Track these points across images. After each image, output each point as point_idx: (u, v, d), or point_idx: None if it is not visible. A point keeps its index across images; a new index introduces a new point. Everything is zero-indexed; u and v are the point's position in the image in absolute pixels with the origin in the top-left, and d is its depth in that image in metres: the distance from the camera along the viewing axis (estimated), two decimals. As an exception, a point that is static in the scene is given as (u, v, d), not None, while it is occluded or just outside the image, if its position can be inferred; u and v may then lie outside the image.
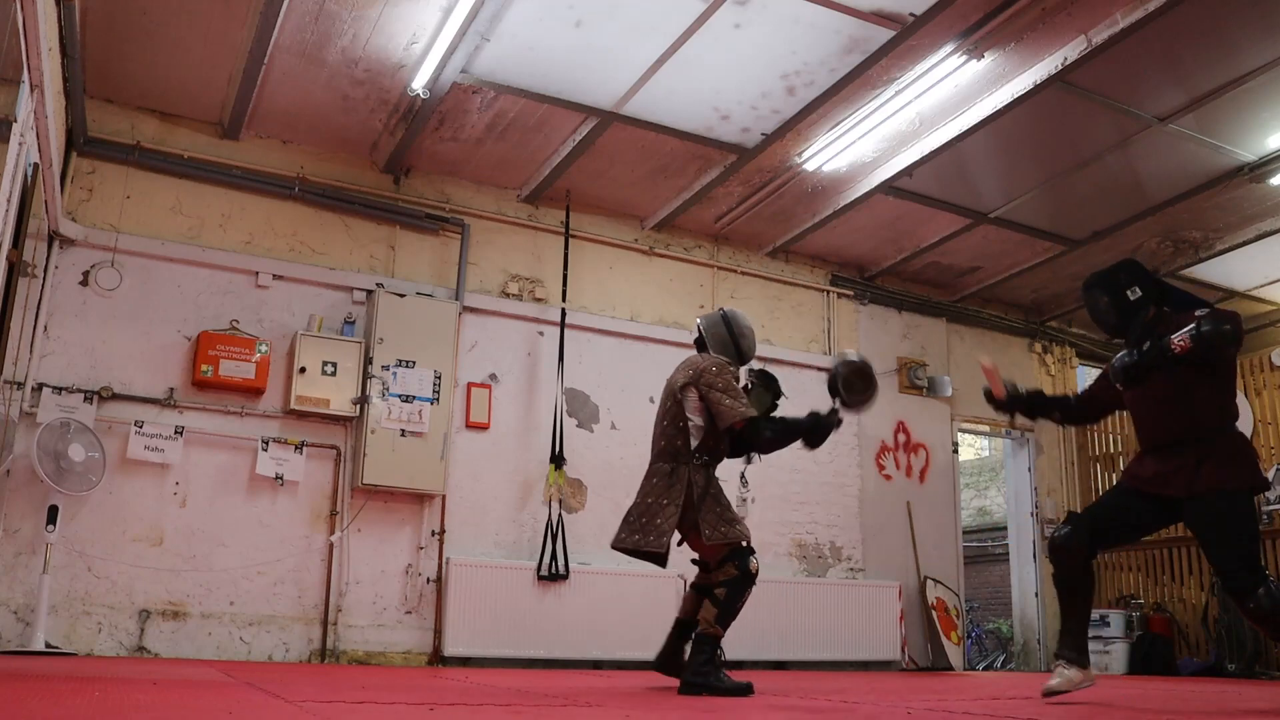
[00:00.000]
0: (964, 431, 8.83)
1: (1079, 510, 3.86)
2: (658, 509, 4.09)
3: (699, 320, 4.48)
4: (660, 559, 4.17)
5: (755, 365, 4.62)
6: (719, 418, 4.07)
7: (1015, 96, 5.68)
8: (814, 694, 4.04)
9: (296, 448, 6.02)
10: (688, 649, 4.06)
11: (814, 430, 4.21)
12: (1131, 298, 3.78)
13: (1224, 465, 3.48)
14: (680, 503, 4.07)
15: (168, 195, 6.11)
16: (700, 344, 4.40)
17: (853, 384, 4.27)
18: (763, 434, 4.16)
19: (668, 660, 4.23)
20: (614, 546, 4.20)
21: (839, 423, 4.28)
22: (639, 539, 4.09)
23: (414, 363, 6.31)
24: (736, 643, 6.94)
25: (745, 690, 3.90)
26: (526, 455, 6.74)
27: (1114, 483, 5.11)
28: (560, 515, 6.63)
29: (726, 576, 4.02)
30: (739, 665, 6.90)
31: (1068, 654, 3.58)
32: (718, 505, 4.10)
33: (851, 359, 4.35)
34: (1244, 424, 7.81)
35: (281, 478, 5.96)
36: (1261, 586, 3.33)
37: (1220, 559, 3.47)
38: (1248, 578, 3.36)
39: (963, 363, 8.51)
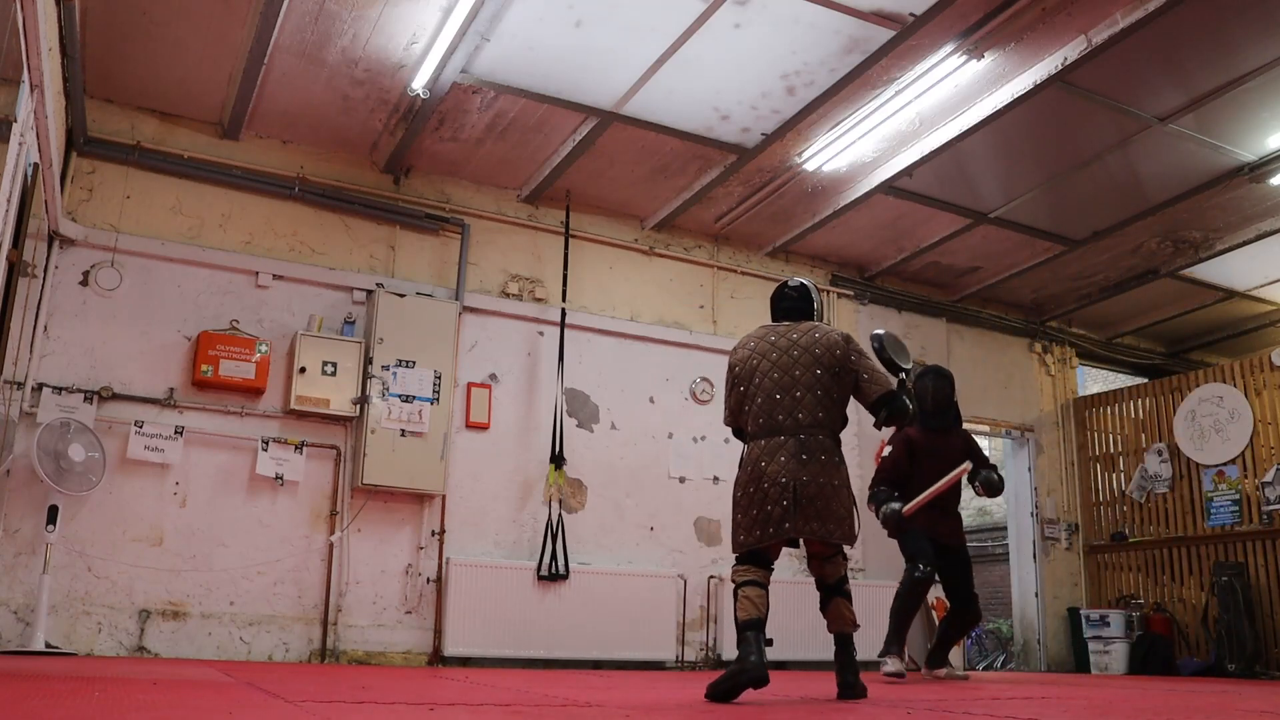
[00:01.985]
0: (964, 431, 8.82)
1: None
2: (833, 493, 3.73)
3: (804, 282, 4.18)
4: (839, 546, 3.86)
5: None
6: (875, 384, 3.83)
7: (1015, 96, 5.69)
8: (814, 694, 4.04)
9: (296, 448, 6.03)
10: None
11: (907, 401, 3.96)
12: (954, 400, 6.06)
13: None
14: (849, 486, 3.83)
15: (168, 195, 6.11)
16: (801, 310, 4.10)
17: (899, 352, 4.39)
18: (902, 401, 3.87)
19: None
20: (795, 535, 3.70)
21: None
22: (830, 529, 3.71)
23: (414, 363, 6.31)
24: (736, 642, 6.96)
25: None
26: (526, 455, 6.74)
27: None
28: (560, 515, 6.63)
29: (844, 569, 3.95)
30: (739, 665, 6.90)
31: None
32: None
33: (881, 333, 4.48)
34: (1243, 424, 7.83)
35: (281, 478, 5.96)
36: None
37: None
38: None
39: (963, 363, 8.51)
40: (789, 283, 4.20)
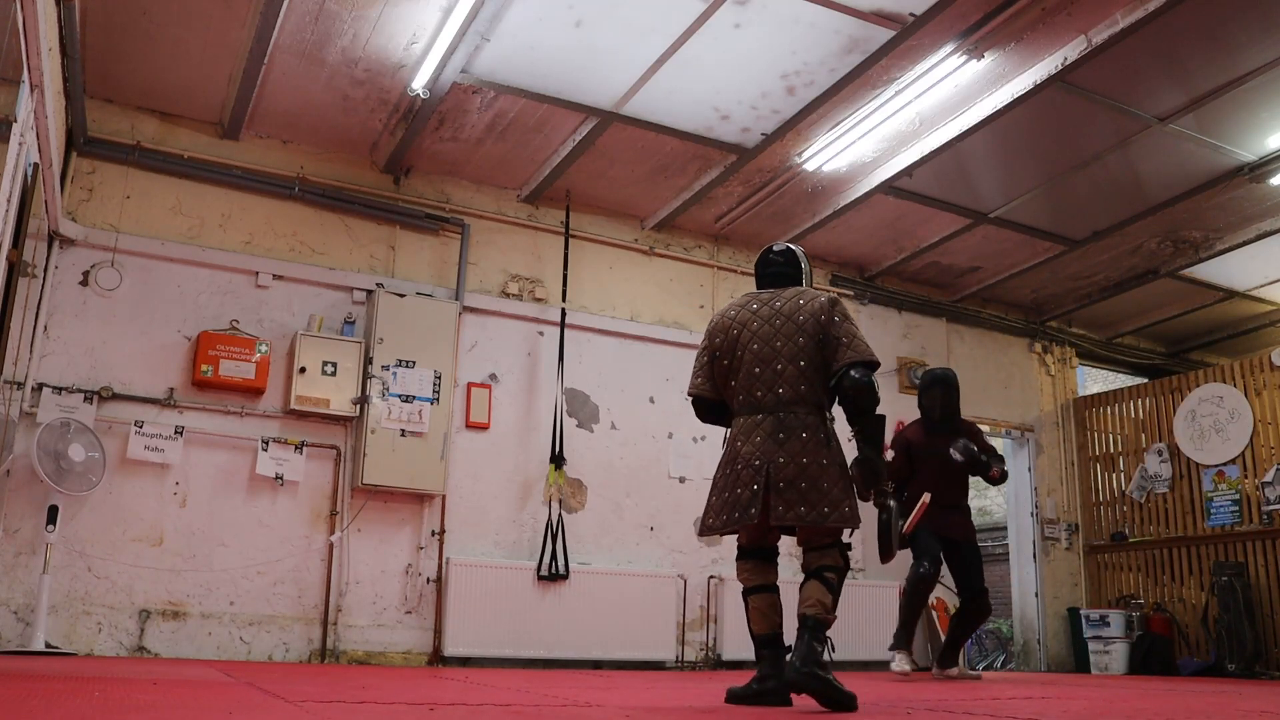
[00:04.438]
0: (964, 431, 8.82)
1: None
2: (820, 473, 3.31)
3: (790, 246, 3.80)
4: (835, 533, 3.41)
5: None
6: (853, 350, 3.37)
7: (1015, 96, 5.68)
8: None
9: (296, 448, 6.03)
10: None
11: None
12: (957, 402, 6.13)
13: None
14: (842, 464, 3.38)
15: (168, 195, 6.11)
16: (788, 275, 3.72)
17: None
18: (870, 381, 3.39)
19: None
20: (774, 523, 3.34)
21: None
22: (824, 512, 3.27)
23: (414, 363, 6.31)
24: (736, 642, 6.96)
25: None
26: (526, 455, 6.74)
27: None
28: (560, 515, 6.63)
29: (835, 564, 3.36)
30: (739, 665, 6.90)
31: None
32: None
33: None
34: (1243, 424, 7.83)
35: (281, 478, 5.96)
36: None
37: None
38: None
39: (963, 363, 8.50)
40: (773, 247, 3.82)
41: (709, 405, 3.69)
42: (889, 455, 6.00)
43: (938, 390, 6.10)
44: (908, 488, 5.94)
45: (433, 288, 6.68)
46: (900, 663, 5.70)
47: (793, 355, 3.43)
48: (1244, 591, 7.46)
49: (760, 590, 3.49)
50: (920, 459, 5.98)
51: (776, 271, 3.74)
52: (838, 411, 3.51)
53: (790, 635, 3.30)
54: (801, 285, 3.71)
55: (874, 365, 3.42)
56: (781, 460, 3.32)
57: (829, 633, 3.23)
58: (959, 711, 3.19)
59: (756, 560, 3.54)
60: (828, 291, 3.92)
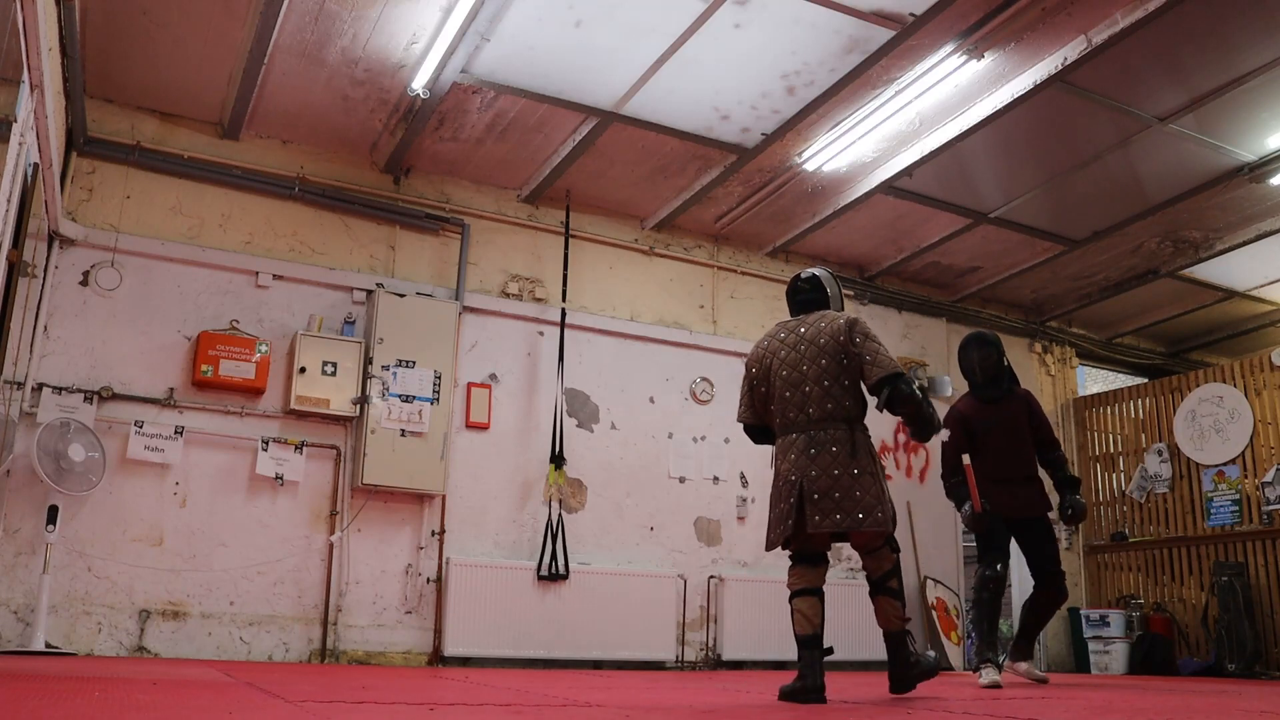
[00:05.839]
0: (964, 431, 8.82)
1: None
2: (853, 482, 3.66)
3: (815, 273, 4.14)
4: (880, 535, 3.79)
5: None
6: (878, 366, 3.71)
7: (1015, 96, 5.68)
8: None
9: (296, 448, 6.03)
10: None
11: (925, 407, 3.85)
12: (1005, 363, 5.53)
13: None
14: (873, 472, 3.73)
15: (168, 195, 6.11)
16: (815, 301, 4.06)
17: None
18: (912, 387, 3.77)
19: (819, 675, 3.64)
20: (811, 532, 3.68)
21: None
22: (859, 519, 3.62)
23: (414, 363, 6.31)
24: (736, 642, 6.96)
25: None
26: (526, 455, 6.74)
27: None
28: (560, 515, 6.63)
29: (890, 564, 3.81)
30: (739, 665, 6.91)
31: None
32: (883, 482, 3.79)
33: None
34: (1243, 424, 7.83)
35: (281, 478, 5.96)
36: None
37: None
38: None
39: (963, 363, 8.49)
40: (800, 275, 4.16)
41: (755, 430, 4.10)
42: (945, 435, 5.45)
43: (973, 351, 5.52)
44: (975, 460, 5.32)
45: (433, 288, 6.68)
46: (988, 676, 4.93)
47: (817, 377, 3.81)
48: (1244, 591, 7.46)
49: (805, 594, 3.75)
50: (979, 432, 5.37)
51: (804, 299, 4.10)
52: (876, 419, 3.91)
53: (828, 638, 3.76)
54: (828, 308, 4.05)
55: (899, 376, 3.74)
56: (814, 474, 3.70)
57: (828, 640, 3.73)
58: (959, 712, 3.19)
59: (804, 566, 3.81)
60: (848, 312, 4.13)
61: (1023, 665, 5.45)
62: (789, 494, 3.73)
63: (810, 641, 3.65)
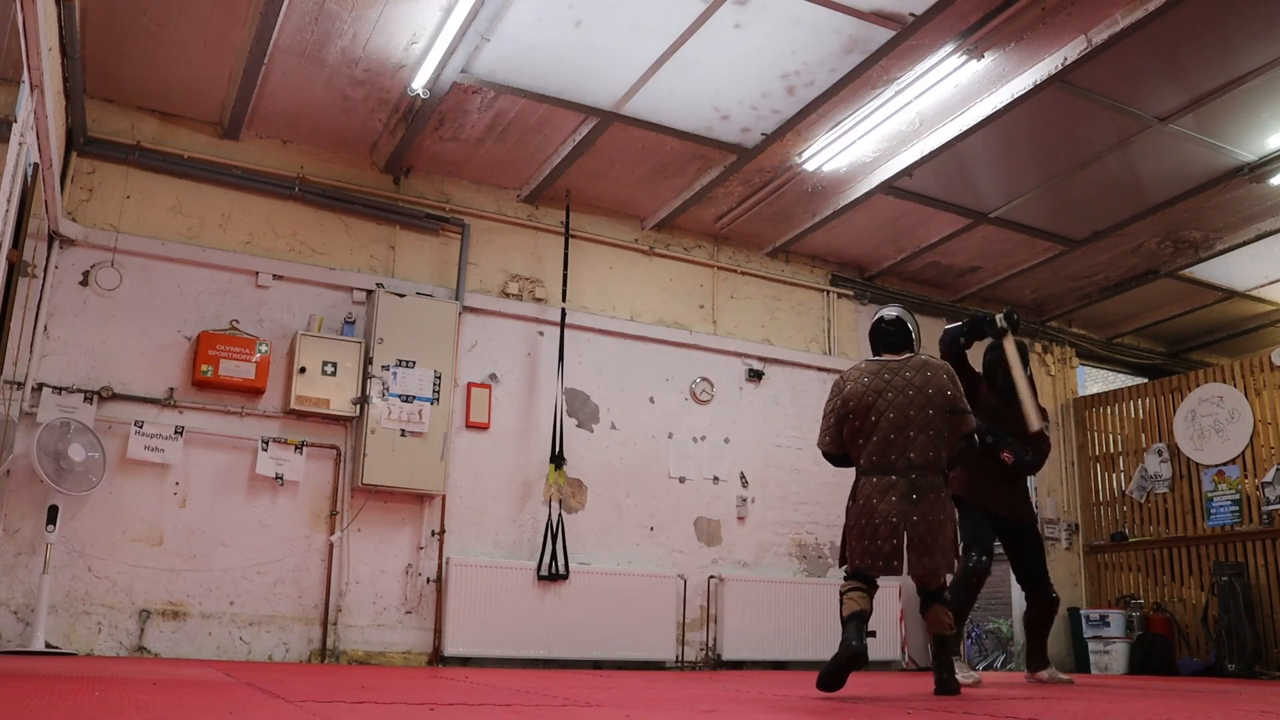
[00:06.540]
0: (964, 431, 8.82)
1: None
2: (939, 528, 4.04)
3: (899, 314, 4.39)
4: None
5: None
6: (964, 425, 4.16)
7: (1015, 96, 5.68)
8: (814, 694, 4.04)
9: (296, 448, 6.03)
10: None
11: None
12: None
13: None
14: (953, 520, 4.16)
15: (168, 195, 6.11)
16: (902, 343, 4.34)
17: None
18: (974, 441, 4.37)
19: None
20: (903, 573, 4.03)
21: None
22: (938, 563, 4.03)
23: (414, 363, 6.31)
24: (736, 642, 6.96)
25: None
26: (526, 455, 6.74)
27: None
28: (560, 515, 6.64)
29: (944, 579, 4.21)
30: (739, 665, 6.91)
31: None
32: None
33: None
34: (1243, 424, 7.83)
35: (281, 478, 5.97)
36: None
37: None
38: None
39: (963, 363, 8.49)
40: (885, 316, 4.39)
41: (835, 458, 4.39)
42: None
43: (998, 354, 5.51)
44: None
45: (433, 288, 6.68)
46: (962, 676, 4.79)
47: (924, 425, 4.08)
48: (1244, 591, 7.46)
49: (859, 589, 4.05)
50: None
51: (891, 340, 4.34)
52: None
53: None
54: (914, 349, 4.34)
55: (972, 434, 4.25)
56: (915, 519, 4.01)
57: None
58: (959, 711, 3.19)
59: (870, 587, 4.08)
60: (938, 358, 4.53)
61: (1044, 673, 5.58)
62: (890, 535, 4.01)
63: (858, 615, 3.92)
